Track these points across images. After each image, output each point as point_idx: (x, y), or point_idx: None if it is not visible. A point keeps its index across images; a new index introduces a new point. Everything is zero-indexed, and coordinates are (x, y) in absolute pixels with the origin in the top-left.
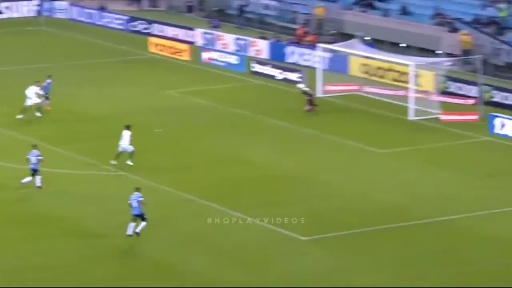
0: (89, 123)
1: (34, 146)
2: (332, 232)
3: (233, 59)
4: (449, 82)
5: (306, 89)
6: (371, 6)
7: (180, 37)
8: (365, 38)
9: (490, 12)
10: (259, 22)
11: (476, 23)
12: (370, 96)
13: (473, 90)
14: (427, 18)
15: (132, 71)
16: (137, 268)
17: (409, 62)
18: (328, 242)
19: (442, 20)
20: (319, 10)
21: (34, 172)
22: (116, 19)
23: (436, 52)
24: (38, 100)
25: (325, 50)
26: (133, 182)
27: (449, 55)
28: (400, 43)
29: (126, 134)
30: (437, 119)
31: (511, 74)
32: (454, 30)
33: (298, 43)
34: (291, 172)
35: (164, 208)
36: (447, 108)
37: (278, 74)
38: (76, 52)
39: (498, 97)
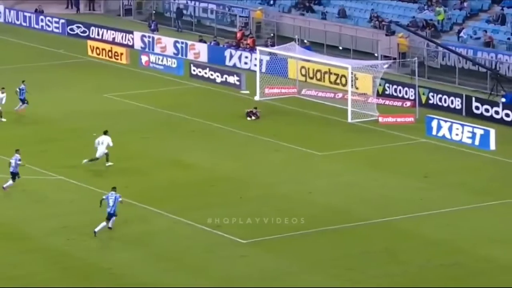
0: (27, 127)
1: (17, 150)
2: (273, 235)
3: (172, 62)
4: (387, 85)
5: (253, 109)
6: (309, 9)
7: (118, 40)
8: (304, 41)
9: (426, 15)
10: (198, 25)
11: (413, 26)
12: (309, 99)
13: (410, 93)
14: (365, 21)
15: (70, 74)
16: (75, 271)
17: (347, 65)
18: (269, 244)
19: (379, 23)
20: (257, 13)
21: (14, 175)
22: (54, 22)
23: (375, 55)
24: None
25: (264, 53)
26: (71, 186)
27: (386, 57)
28: (338, 46)
29: (105, 140)
30: (376, 121)
31: (447, 76)
32: (391, 33)
33: (236, 46)
34: (230, 174)
35: (103, 212)
36: (385, 110)
37: (217, 77)
38: (13, 55)
39: (435, 99)
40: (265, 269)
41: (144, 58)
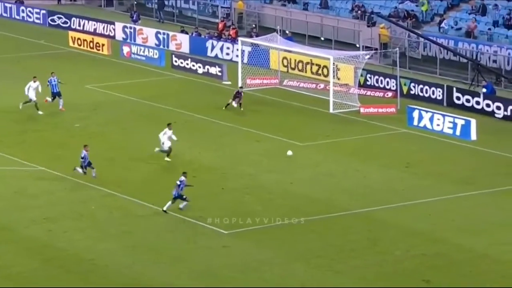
0: (7, 118)
1: (85, 146)
2: (254, 226)
3: (154, 53)
4: (368, 75)
5: (239, 89)
6: (291, 0)
7: (100, 31)
8: (285, 31)
9: (408, 5)
10: (180, 16)
11: (394, 17)
12: (291, 89)
13: (391, 83)
14: (347, 12)
15: (51, 65)
16: (57, 262)
17: (329, 56)
18: (251, 235)
19: (361, 13)
20: (239, 4)
21: (87, 166)
22: (34, 13)
23: (356, 45)
24: (34, 98)
25: (246, 43)
26: (52, 177)
27: (368, 48)
28: (320, 37)
29: (167, 132)
30: (357, 112)
31: (428, 67)
32: (373, 23)
33: (218, 37)
34: (212, 165)
35: (84, 203)
36: (366, 101)
37: (199, 68)
38: None
39: (416, 89)
40: (247, 259)
41: (125, 49)
